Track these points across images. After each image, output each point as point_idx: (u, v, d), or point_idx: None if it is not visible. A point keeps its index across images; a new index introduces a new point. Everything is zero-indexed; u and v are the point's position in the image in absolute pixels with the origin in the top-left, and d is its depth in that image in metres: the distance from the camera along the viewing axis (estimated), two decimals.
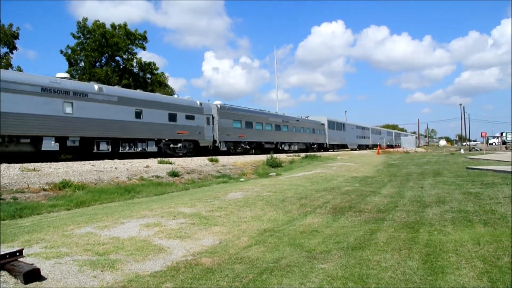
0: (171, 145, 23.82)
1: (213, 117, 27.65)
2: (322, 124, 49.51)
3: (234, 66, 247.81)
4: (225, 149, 28.58)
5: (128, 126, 20.79)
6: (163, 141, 23.03)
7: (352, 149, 58.38)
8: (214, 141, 27.60)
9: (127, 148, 20.81)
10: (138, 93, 22.90)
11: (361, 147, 66.05)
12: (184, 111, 24.79)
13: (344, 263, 4.70)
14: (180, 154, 24.36)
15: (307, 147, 44.45)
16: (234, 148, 30.22)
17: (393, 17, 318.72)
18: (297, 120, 42.15)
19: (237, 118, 30.85)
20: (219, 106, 28.76)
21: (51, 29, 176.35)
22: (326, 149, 49.01)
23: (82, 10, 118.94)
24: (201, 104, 26.92)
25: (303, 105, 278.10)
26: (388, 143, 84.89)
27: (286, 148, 39.25)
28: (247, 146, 32.21)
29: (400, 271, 4.37)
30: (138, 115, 21.34)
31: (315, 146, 47.10)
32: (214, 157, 22.66)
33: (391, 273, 4.30)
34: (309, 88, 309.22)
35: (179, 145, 24.36)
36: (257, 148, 33.97)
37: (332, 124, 52.76)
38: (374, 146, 72.90)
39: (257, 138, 33.74)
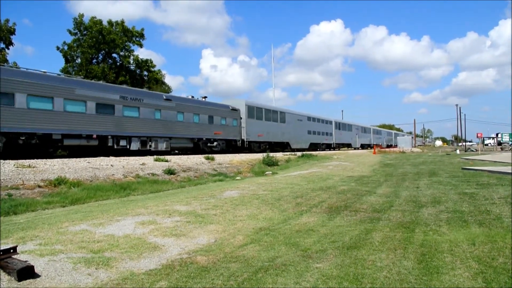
0: None
1: None
2: (235, 110, 31.14)
3: (232, 64, 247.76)
4: None
5: None
6: None
7: (303, 149, 41.28)
8: None
9: None
10: None
11: (317, 146, 48.14)
12: None
13: (340, 263, 4.70)
14: None
15: (196, 146, 26.97)
16: None
17: (392, 17, 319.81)
18: (168, 100, 24.56)
19: None
20: None
21: (50, 26, 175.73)
22: (242, 149, 31.79)
23: (81, 7, 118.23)
24: None
25: (301, 103, 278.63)
26: (366, 143, 69.36)
27: (135, 146, 21.67)
28: None
29: (395, 271, 4.38)
30: None
31: (217, 143, 28.80)
32: (210, 155, 22.60)
33: (386, 273, 4.31)
34: (306, 87, 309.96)
35: None
36: (42, 144, 17.54)
37: (257, 112, 34.29)
38: (343, 145, 58.68)
39: (31, 125, 16.82)
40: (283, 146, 39.37)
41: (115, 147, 20.63)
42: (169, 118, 24.35)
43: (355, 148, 61.99)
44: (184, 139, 25.87)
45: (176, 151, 26.53)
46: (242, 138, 31.70)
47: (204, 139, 27.51)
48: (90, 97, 19.42)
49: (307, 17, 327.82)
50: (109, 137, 20.37)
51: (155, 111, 23.29)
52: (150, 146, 22.77)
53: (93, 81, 21.69)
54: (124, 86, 24.17)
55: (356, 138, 64.05)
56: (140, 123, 22.20)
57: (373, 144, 68.35)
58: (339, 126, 56.93)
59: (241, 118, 31.78)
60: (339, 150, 53.18)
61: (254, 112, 33.70)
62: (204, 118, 27.53)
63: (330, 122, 53.41)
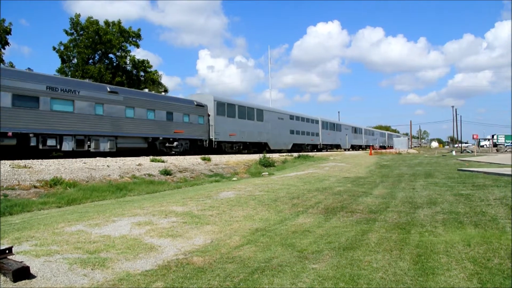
0: None
1: None
2: (201, 106, 27.27)
3: (229, 65, 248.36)
4: None
5: None
6: None
7: (284, 151, 38.26)
8: None
9: None
10: None
11: (301, 147, 43.77)
12: None
13: (336, 264, 4.71)
14: None
15: (152, 146, 23.41)
16: None
17: (388, 19, 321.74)
18: (114, 93, 20.75)
19: None
20: None
21: (47, 26, 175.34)
22: (210, 150, 27.98)
23: (78, 7, 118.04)
24: None
25: (297, 104, 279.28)
26: (357, 144, 65.87)
27: (68, 147, 18.20)
28: None
29: (391, 271, 4.39)
30: None
31: (178, 144, 25.00)
32: (207, 155, 22.57)
33: (382, 274, 4.32)
34: (303, 88, 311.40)
35: None
36: None
37: (229, 108, 30.49)
38: (331, 147, 54.66)
39: None
40: (261, 147, 35.34)
41: (41, 147, 17.21)
42: (115, 113, 20.71)
43: (345, 150, 58.35)
44: (135, 138, 22.14)
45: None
46: (210, 137, 27.97)
47: (161, 138, 23.89)
48: (4, 87, 16.00)
49: (304, 18, 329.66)
50: (31, 135, 16.81)
51: (95, 105, 19.66)
52: (89, 146, 19.30)
53: (9, 67, 17.55)
54: (57, 75, 20.55)
55: (346, 139, 59.97)
56: (75, 119, 18.55)
57: (370, 145, 66.48)
58: (327, 125, 52.46)
59: (209, 115, 28.10)
60: (326, 151, 48.95)
61: (225, 108, 30.02)
62: (161, 114, 23.89)
63: (317, 121, 49.17)
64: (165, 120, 24.15)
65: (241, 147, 32.33)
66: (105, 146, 20.10)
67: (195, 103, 26.94)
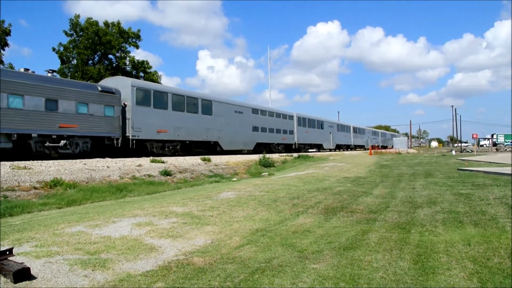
0: None
1: None
2: (109, 92, 20.07)
3: (229, 65, 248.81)
4: None
5: None
6: None
7: (241, 151, 31.77)
8: None
9: None
10: None
11: (269, 147, 36.63)
12: None
13: (336, 263, 4.71)
14: None
15: (23, 146, 16.53)
16: None
17: (388, 19, 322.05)
18: None
19: None
20: None
21: (47, 27, 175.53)
22: (124, 151, 21.30)
23: (78, 8, 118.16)
24: None
25: (297, 105, 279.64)
26: (343, 143, 57.55)
27: None
28: None
29: (391, 271, 4.40)
30: None
31: (69, 142, 18.05)
32: (206, 156, 22.57)
33: (382, 274, 4.32)
34: (303, 88, 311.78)
35: None
36: None
37: (157, 98, 22.84)
38: (310, 146, 46.52)
39: None
40: (209, 147, 28.10)
41: None
42: None
43: (330, 150, 51.71)
44: None
45: None
46: (127, 134, 20.70)
47: (35, 135, 16.72)
48: None
49: (304, 18, 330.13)
50: None
51: None
52: None
53: None
54: None
55: (330, 138, 51.93)
56: None
57: (360, 145, 63.89)
58: (304, 122, 44.12)
59: (125, 105, 20.88)
60: (305, 152, 41.26)
61: (151, 97, 22.35)
62: (35, 101, 16.52)
63: (291, 117, 41.20)
64: (43, 110, 16.87)
65: (178, 147, 25.08)
66: None
67: (99, 89, 19.67)
